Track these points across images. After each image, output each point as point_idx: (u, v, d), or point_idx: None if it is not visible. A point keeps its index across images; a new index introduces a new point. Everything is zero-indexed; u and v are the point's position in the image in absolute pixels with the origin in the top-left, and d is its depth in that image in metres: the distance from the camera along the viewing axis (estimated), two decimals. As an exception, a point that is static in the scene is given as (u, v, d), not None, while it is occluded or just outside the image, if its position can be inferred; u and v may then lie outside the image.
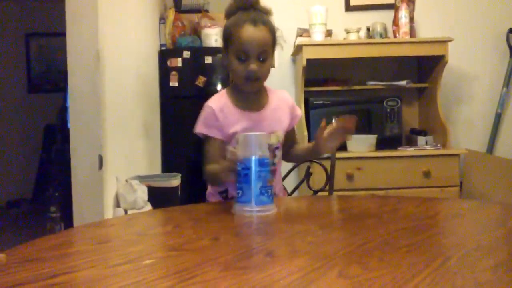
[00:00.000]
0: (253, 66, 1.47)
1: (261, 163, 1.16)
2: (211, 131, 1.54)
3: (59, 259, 0.82)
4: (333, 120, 1.40)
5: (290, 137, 1.68)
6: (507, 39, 3.53)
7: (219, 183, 1.54)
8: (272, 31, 1.51)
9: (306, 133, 3.06)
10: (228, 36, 1.52)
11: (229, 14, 1.54)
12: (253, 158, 1.16)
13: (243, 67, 1.49)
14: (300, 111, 1.73)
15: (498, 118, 3.53)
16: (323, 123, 1.42)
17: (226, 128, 1.53)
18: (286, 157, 1.68)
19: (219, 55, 3.37)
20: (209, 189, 1.70)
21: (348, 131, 1.42)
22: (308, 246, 0.89)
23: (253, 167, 1.16)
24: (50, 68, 5.52)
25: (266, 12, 1.53)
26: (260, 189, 1.16)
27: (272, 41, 1.52)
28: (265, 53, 1.48)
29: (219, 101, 1.58)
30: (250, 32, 1.46)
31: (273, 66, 1.55)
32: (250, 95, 1.58)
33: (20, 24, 5.47)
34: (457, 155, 3.05)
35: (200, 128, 1.55)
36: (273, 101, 1.62)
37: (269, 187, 1.19)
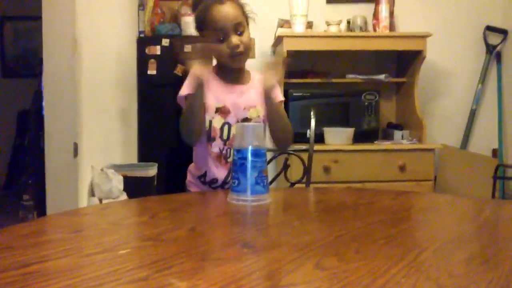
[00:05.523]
0: (234, 40, 1.50)
1: (256, 153, 1.17)
2: None
3: (32, 248, 0.80)
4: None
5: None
6: (484, 36, 3.58)
7: (191, 116, 1.48)
8: (239, 4, 1.56)
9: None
10: (201, 22, 1.55)
11: (195, 4, 1.59)
12: (249, 148, 1.17)
13: (225, 46, 1.51)
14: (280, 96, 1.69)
15: (473, 114, 3.59)
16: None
17: (208, 93, 1.53)
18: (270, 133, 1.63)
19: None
20: (189, 177, 1.69)
21: (283, 64, 1.51)
22: (285, 237, 0.89)
23: (249, 157, 1.16)
24: (25, 52, 5.38)
25: None
26: (256, 179, 1.17)
27: (243, 14, 1.55)
28: (240, 25, 1.52)
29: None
30: (220, 10, 1.50)
31: (253, 57, 1.55)
32: (234, 72, 1.60)
33: (-5, 7, 5.32)
34: (432, 149, 3.10)
35: (186, 89, 1.52)
36: (255, 79, 1.64)
37: (265, 177, 1.19)
